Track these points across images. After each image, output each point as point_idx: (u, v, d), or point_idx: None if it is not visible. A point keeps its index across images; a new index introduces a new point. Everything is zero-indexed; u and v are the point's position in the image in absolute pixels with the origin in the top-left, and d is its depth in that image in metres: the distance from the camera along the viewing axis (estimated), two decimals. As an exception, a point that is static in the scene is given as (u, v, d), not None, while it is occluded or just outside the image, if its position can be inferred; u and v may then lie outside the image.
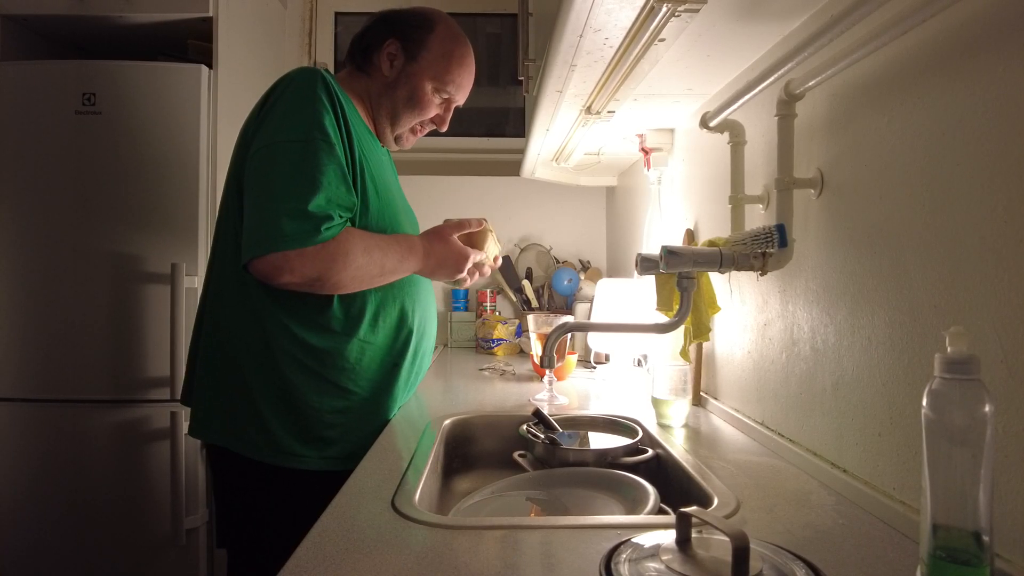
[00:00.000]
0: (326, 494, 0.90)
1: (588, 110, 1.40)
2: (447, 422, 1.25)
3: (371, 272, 1.13)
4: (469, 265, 1.26)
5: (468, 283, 1.31)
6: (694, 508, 0.63)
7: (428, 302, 1.34)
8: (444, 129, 1.35)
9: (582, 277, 2.46)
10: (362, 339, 1.18)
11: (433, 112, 1.30)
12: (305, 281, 1.07)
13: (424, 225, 1.51)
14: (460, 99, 1.33)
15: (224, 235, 1.19)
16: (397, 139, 1.32)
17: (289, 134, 1.08)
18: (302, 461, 1.15)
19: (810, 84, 0.89)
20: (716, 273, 1.16)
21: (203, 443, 1.21)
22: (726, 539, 0.55)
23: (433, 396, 1.52)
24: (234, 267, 1.14)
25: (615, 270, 2.48)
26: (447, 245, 1.24)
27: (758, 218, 1.16)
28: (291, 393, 1.14)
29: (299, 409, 1.14)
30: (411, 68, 1.25)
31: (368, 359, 1.20)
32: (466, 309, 2.56)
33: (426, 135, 1.38)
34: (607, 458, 1.06)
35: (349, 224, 1.12)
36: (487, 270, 1.32)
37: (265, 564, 1.05)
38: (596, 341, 1.85)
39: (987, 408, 0.49)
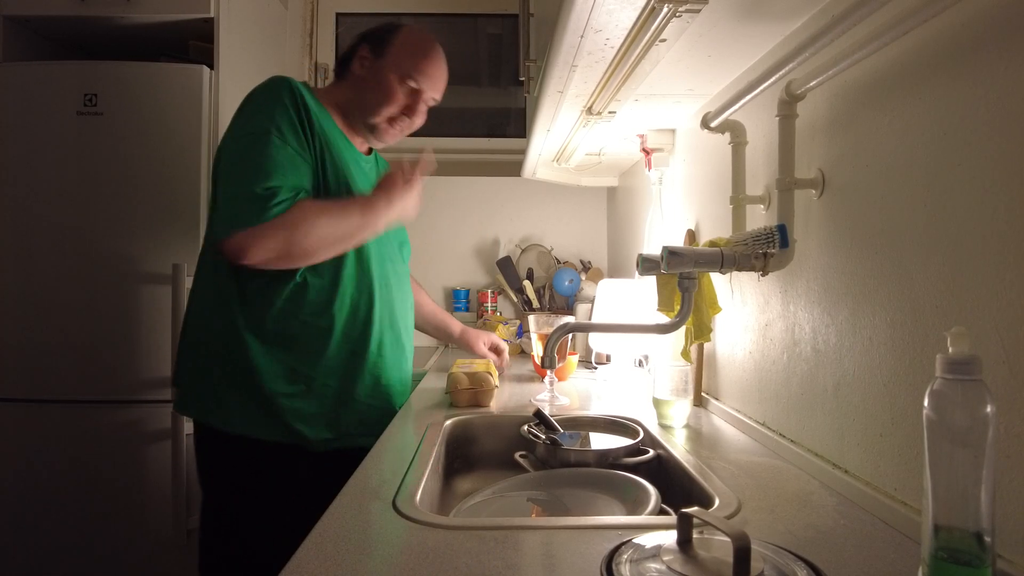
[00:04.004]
0: (294, 467, 1.11)
1: (589, 110, 1.40)
2: (448, 422, 1.25)
3: (337, 233, 1.20)
4: (401, 176, 1.29)
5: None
6: (695, 509, 0.63)
7: (395, 293, 1.38)
8: (416, 120, 1.38)
9: (583, 277, 2.46)
10: (320, 325, 1.25)
11: (401, 101, 1.34)
12: (273, 255, 1.15)
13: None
14: (429, 89, 1.37)
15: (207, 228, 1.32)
16: (374, 131, 1.37)
17: (245, 130, 1.20)
18: (269, 433, 1.22)
19: (811, 84, 0.89)
20: (717, 273, 1.16)
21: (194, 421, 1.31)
22: (727, 540, 0.55)
23: (434, 396, 1.52)
24: (208, 255, 1.28)
25: (616, 270, 2.48)
26: (378, 185, 1.29)
27: (759, 218, 1.16)
28: (252, 374, 1.21)
29: (260, 389, 1.22)
30: (378, 64, 1.34)
31: (332, 346, 1.26)
32: (467, 310, 2.56)
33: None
34: (608, 459, 1.06)
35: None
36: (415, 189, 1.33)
37: (240, 538, 1.22)
38: (597, 342, 1.85)
39: (989, 409, 0.49)
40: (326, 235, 1.18)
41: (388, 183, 1.28)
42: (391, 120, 1.36)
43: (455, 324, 1.74)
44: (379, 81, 1.33)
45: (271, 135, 1.18)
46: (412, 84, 1.34)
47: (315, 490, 1.09)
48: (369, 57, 1.35)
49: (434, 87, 1.38)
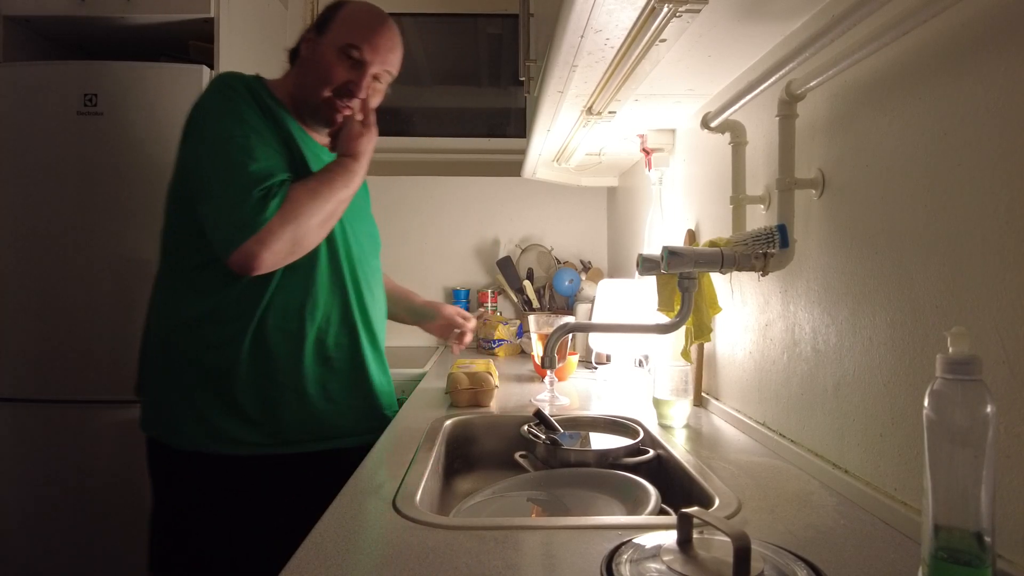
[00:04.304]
0: (268, 479, 1.05)
1: (589, 110, 1.40)
2: (448, 422, 1.25)
3: (330, 207, 1.16)
4: (368, 120, 1.25)
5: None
6: (695, 509, 0.63)
7: (367, 292, 1.31)
8: (360, 95, 1.23)
9: (583, 277, 2.45)
10: (294, 330, 1.20)
11: (342, 76, 1.22)
12: (283, 255, 1.11)
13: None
14: (376, 61, 1.23)
15: (163, 235, 1.25)
16: (318, 115, 1.25)
17: (218, 137, 1.14)
18: (241, 447, 1.17)
19: (811, 84, 0.89)
20: (717, 273, 1.16)
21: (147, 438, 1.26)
22: (727, 540, 0.55)
23: (434, 396, 1.52)
24: (167, 265, 1.23)
25: (616, 270, 2.48)
26: (353, 141, 1.22)
27: (759, 218, 1.16)
28: (222, 383, 1.17)
29: (230, 396, 1.17)
30: (320, 41, 1.24)
31: (308, 351, 1.21)
32: (467, 310, 2.56)
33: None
34: (608, 459, 1.06)
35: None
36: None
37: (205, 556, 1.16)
38: (597, 342, 1.85)
39: (989, 409, 0.49)
40: (323, 214, 1.14)
41: (348, 139, 1.21)
42: (334, 99, 1.22)
43: (416, 296, 1.65)
44: (318, 58, 1.22)
45: (249, 137, 1.13)
46: (354, 54, 1.21)
47: (301, 494, 1.07)
48: (313, 38, 1.25)
49: (382, 59, 1.24)
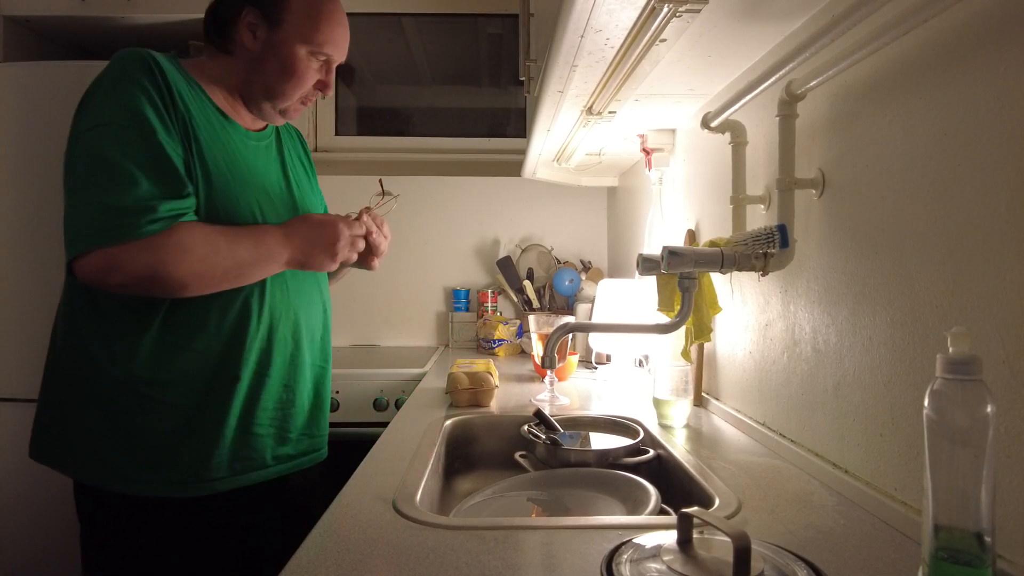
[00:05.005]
0: (171, 523, 0.97)
1: (589, 110, 1.40)
2: (448, 422, 1.25)
3: (222, 264, 1.01)
4: (346, 235, 1.12)
5: (351, 256, 1.16)
6: (695, 508, 0.63)
7: (294, 293, 1.15)
8: (329, 93, 1.21)
9: (583, 277, 2.45)
10: (198, 349, 1.04)
11: (314, 79, 1.16)
12: (138, 279, 0.96)
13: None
14: (339, 57, 1.18)
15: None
16: (283, 113, 1.18)
17: (100, 119, 0.99)
18: (138, 486, 1.02)
19: (811, 84, 0.89)
20: (717, 273, 1.16)
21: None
22: (727, 540, 0.55)
23: (434, 396, 1.52)
24: (67, 276, 1.06)
25: (616, 270, 2.48)
26: (308, 219, 1.13)
27: (759, 218, 1.16)
28: (120, 411, 1.02)
29: (128, 428, 1.03)
30: (276, 36, 1.11)
31: (215, 372, 1.06)
32: (467, 310, 2.56)
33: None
34: (608, 459, 1.06)
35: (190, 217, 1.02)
36: (362, 243, 1.17)
37: None
38: (597, 341, 1.85)
39: (989, 409, 0.49)
40: (206, 267, 0.99)
41: (318, 228, 1.11)
42: (303, 100, 1.18)
43: None
44: (284, 59, 1.11)
45: (132, 128, 0.97)
46: (322, 57, 1.15)
47: (232, 531, 1.04)
48: (262, 27, 1.11)
49: (342, 51, 1.18)
